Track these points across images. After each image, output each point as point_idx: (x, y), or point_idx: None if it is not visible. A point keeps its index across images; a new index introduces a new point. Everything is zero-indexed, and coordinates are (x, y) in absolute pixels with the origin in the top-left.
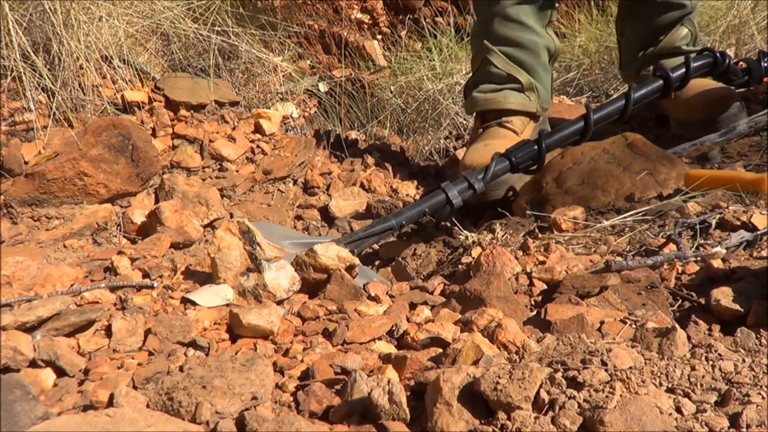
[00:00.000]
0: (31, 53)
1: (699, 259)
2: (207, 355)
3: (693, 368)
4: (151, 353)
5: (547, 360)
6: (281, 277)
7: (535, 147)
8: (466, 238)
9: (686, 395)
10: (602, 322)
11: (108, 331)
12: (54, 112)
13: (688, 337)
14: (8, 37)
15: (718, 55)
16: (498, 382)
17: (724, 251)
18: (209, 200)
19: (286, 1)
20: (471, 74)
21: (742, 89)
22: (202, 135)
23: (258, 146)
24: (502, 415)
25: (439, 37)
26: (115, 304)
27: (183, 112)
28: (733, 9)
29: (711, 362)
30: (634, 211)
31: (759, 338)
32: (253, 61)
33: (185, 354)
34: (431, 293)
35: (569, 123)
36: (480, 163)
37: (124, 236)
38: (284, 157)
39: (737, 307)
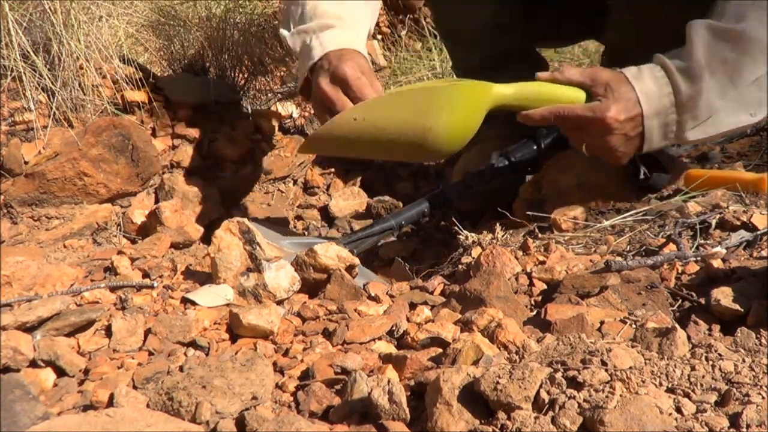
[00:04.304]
0: (31, 53)
1: (699, 259)
2: (207, 355)
3: (693, 368)
4: (151, 353)
5: (547, 360)
6: (281, 277)
7: (534, 147)
8: (466, 238)
9: (686, 395)
10: (602, 322)
11: (108, 331)
12: (54, 112)
13: (688, 337)
14: (8, 37)
15: None
16: (498, 382)
17: (724, 251)
18: (209, 200)
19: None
20: None
21: None
22: (202, 135)
23: (258, 146)
24: (502, 415)
25: (439, 36)
26: (115, 304)
27: (183, 112)
28: None
29: (711, 362)
30: (634, 211)
31: (759, 338)
32: (253, 61)
33: (185, 354)
34: (431, 293)
35: None
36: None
37: (124, 236)
38: (284, 157)
39: (737, 307)
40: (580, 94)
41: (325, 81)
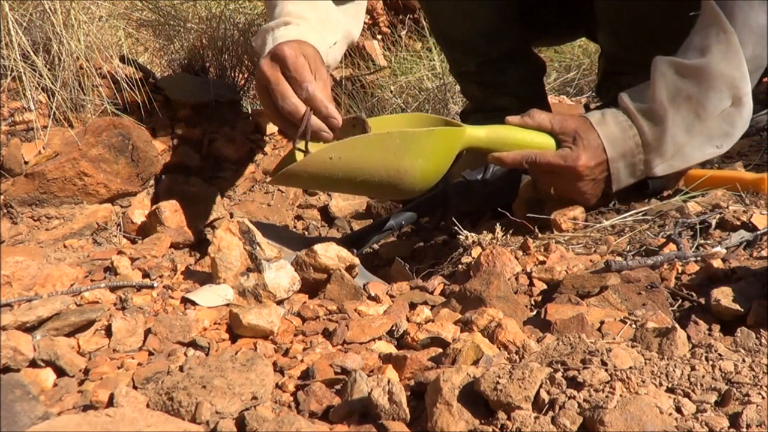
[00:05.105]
0: (31, 53)
1: (699, 259)
2: (207, 355)
3: (693, 368)
4: (151, 353)
5: (547, 360)
6: (281, 277)
7: None
8: (466, 238)
9: (686, 395)
10: (602, 322)
11: (108, 331)
12: (54, 112)
13: (688, 337)
14: (8, 37)
15: None
16: (498, 382)
17: (724, 251)
18: (209, 200)
19: None
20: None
21: None
22: (202, 135)
23: (258, 146)
24: (502, 415)
25: (436, 43)
26: (115, 304)
27: (183, 112)
28: None
29: (711, 362)
30: (634, 211)
31: (759, 338)
32: (253, 61)
33: (185, 354)
34: (431, 293)
35: None
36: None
37: (124, 236)
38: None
39: (737, 307)
40: (549, 140)
41: (265, 61)
